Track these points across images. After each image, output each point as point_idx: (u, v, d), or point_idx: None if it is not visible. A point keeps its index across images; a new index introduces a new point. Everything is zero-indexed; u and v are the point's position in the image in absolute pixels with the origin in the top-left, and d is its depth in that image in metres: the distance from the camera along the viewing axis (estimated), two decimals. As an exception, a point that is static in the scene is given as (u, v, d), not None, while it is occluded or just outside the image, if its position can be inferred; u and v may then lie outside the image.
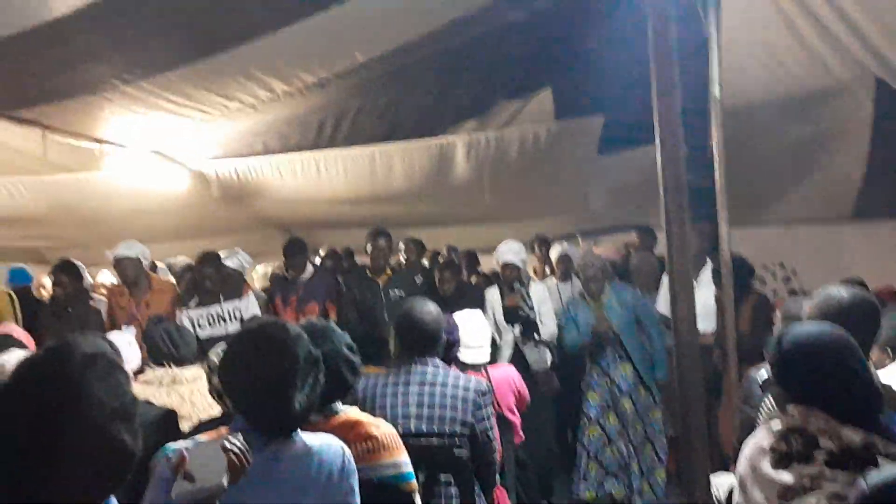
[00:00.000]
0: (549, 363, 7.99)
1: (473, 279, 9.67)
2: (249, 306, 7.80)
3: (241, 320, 7.70)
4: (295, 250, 8.23)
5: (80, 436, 1.92)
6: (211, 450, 2.47)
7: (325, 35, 7.23)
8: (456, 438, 4.00)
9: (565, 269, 9.13)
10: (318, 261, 10.83)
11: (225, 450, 2.42)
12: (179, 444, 2.75)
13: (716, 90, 6.43)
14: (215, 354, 3.92)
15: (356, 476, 2.82)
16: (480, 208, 10.00)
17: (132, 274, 7.84)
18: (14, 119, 7.94)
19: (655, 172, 3.91)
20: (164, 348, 4.75)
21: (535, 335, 7.88)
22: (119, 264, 7.81)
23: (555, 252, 9.43)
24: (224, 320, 7.71)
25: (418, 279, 7.91)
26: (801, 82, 7.71)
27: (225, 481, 2.38)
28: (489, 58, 8.87)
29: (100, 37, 6.52)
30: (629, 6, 7.60)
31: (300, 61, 7.75)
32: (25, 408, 1.94)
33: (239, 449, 2.45)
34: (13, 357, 3.22)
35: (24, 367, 2.04)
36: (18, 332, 5.65)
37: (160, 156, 9.49)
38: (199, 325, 7.55)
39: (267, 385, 2.66)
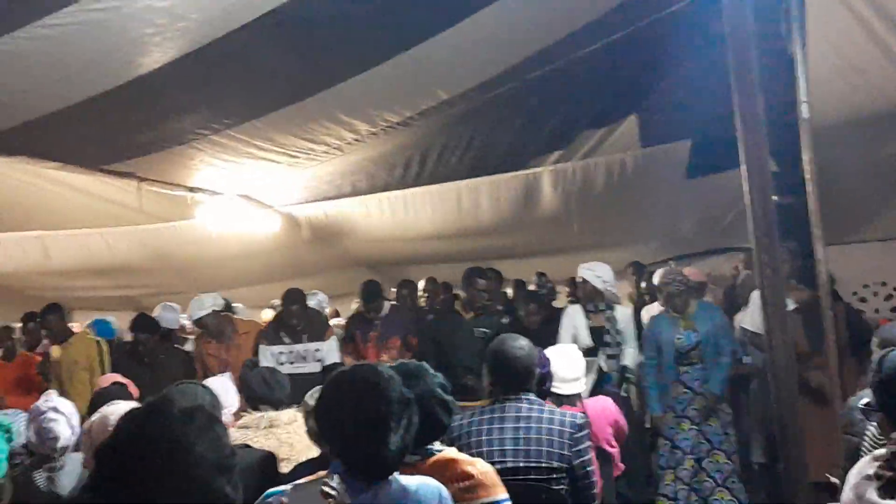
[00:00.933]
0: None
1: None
2: (331, 350, 7.85)
3: (322, 362, 7.74)
4: (373, 293, 8.25)
5: (183, 491, 1.95)
6: (311, 494, 2.48)
7: (407, 75, 7.30)
8: (554, 473, 3.96)
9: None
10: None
11: (324, 494, 2.43)
12: (280, 489, 2.78)
13: (804, 110, 6.30)
14: (311, 398, 3.95)
15: (454, 517, 2.81)
16: (569, 238, 9.96)
17: (214, 328, 7.95)
18: (110, 172, 8.17)
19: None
20: (260, 392, 4.81)
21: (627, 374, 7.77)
22: (199, 324, 7.92)
23: (656, 278, 9.28)
24: (304, 360, 7.77)
25: (505, 320, 7.84)
26: (889, 98, 7.51)
27: None
28: (572, 88, 8.86)
29: (188, 89, 6.68)
30: (712, 29, 7.54)
31: (384, 102, 7.83)
32: (128, 465, 1.97)
33: (337, 492, 2.45)
34: (117, 409, 3.28)
35: (125, 423, 2.07)
36: (114, 380, 5.78)
37: (250, 201, 9.67)
38: (280, 363, 7.63)
39: (362, 428, 2.66)
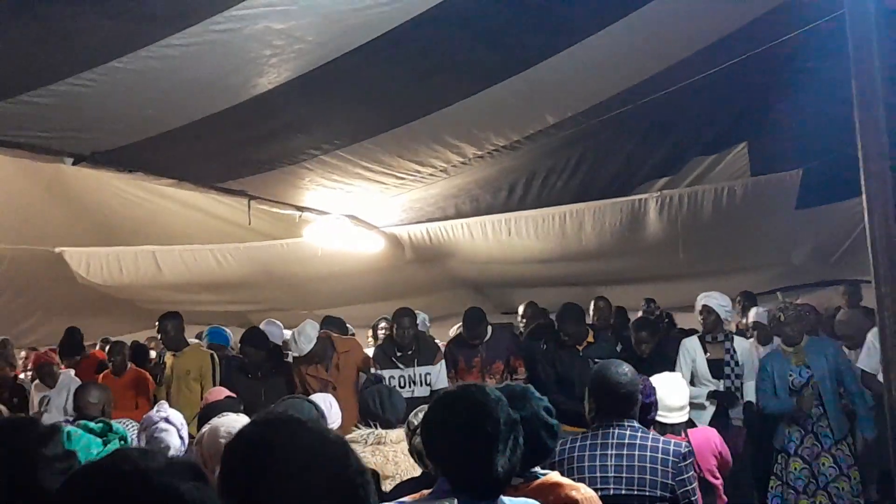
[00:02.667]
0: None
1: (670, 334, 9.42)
2: (440, 376, 7.87)
3: (430, 387, 7.77)
4: (476, 320, 8.22)
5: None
6: None
7: (516, 98, 7.33)
8: (657, 502, 3.91)
9: (761, 335, 8.76)
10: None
11: None
12: None
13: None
14: (415, 416, 3.98)
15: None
16: (674, 265, 9.84)
17: (315, 355, 7.97)
18: (222, 190, 8.37)
19: (861, 226, 3.75)
20: (373, 408, 4.84)
21: (738, 403, 7.60)
22: (306, 355, 7.95)
23: (751, 316, 9.12)
24: (415, 384, 7.81)
25: (618, 349, 7.77)
26: None
27: None
28: (684, 114, 8.80)
29: (301, 110, 6.81)
30: (826, 55, 7.41)
31: (492, 125, 7.87)
32: (246, 478, 1.98)
33: None
34: (227, 422, 3.35)
35: (255, 431, 2.10)
36: (226, 394, 5.90)
37: (356, 220, 9.81)
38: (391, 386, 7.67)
39: (469, 449, 2.67)
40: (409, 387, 7.78)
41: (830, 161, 8.68)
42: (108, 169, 7.49)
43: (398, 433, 4.74)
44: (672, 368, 7.37)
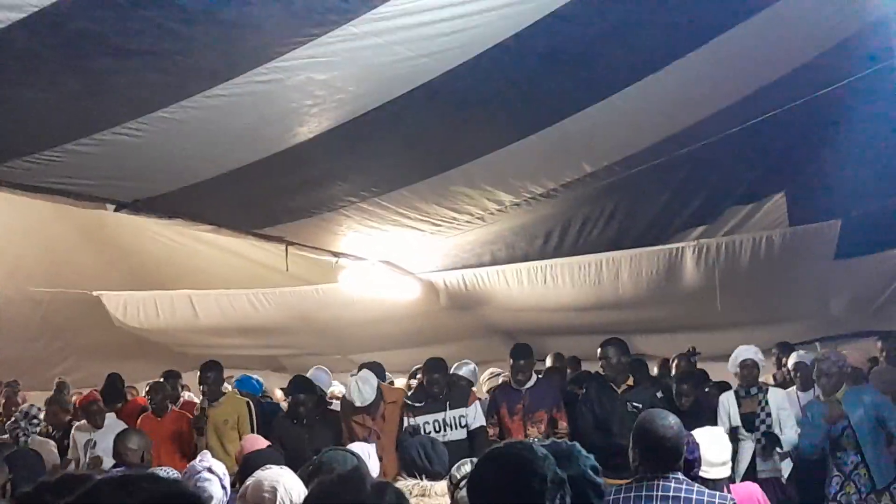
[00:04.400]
0: (784, 473, 7.61)
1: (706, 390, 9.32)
2: (476, 416, 7.82)
3: (466, 428, 7.72)
4: (522, 355, 8.15)
5: None
6: None
7: (552, 147, 7.36)
8: (702, 557, 3.85)
9: (804, 377, 8.66)
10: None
11: None
12: None
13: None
14: (458, 470, 3.96)
15: None
16: (711, 315, 9.76)
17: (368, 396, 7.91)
18: (260, 236, 8.43)
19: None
20: (418, 461, 4.77)
21: (778, 448, 7.51)
22: (362, 391, 7.88)
23: (792, 359, 9.01)
24: (449, 427, 7.76)
25: (659, 395, 7.67)
26: None
27: None
28: (720, 164, 8.80)
29: (340, 158, 6.88)
30: (867, 105, 7.40)
31: (527, 173, 7.91)
32: None
33: None
34: (272, 475, 3.34)
35: (319, 492, 2.10)
36: (262, 442, 5.89)
37: (392, 267, 9.84)
38: (425, 431, 7.61)
39: (516, 506, 2.65)
40: (443, 430, 7.72)
41: (870, 211, 8.65)
42: (149, 215, 7.59)
43: (442, 486, 4.69)
44: (709, 421, 7.30)
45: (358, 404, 7.72)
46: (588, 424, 7.65)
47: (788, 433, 7.58)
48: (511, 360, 7.98)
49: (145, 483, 1.66)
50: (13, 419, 9.56)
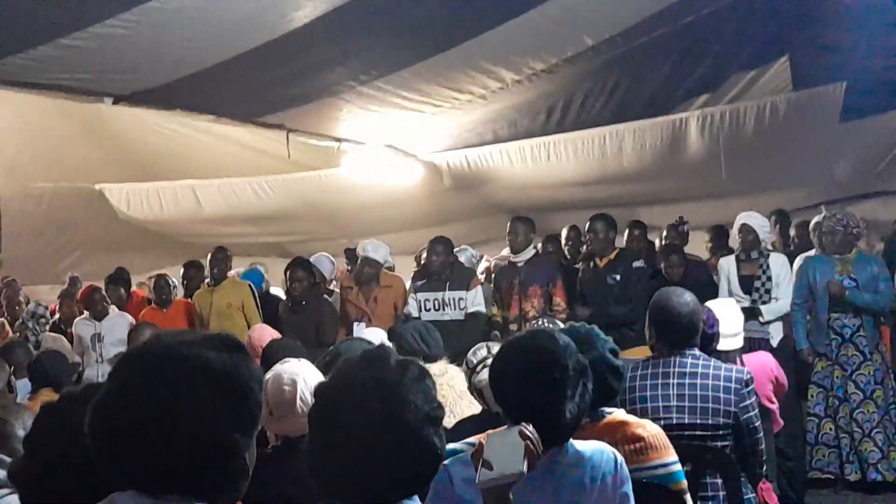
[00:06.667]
0: (773, 337, 7.63)
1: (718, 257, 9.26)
2: (476, 299, 7.83)
3: (464, 311, 7.74)
4: (518, 221, 8.08)
5: (395, 435, 2.04)
6: (504, 436, 2.50)
7: (553, 22, 7.23)
8: (720, 430, 3.90)
9: (804, 237, 8.58)
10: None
11: (523, 436, 2.44)
12: (459, 447, 2.86)
13: None
14: (474, 355, 4.00)
15: (630, 483, 2.79)
16: (716, 184, 9.73)
17: (364, 276, 7.97)
18: (261, 124, 8.36)
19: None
20: (415, 345, 4.83)
21: (760, 318, 7.52)
22: (365, 262, 7.96)
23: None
24: (448, 307, 7.80)
25: (636, 264, 7.65)
26: None
27: (525, 468, 2.41)
28: (722, 31, 8.65)
29: (337, 42, 6.76)
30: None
31: (529, 50, 7.79)
32: (344, 408, 2.08)
33: (534, 436, 2.46)
34: (290, 368, 3.37)
35: (343, 369, 2.16)
36: (270, 332, 5.92)
37: (394, 150, 9.77)
38: (425, 310, 7.69)
39: (538, 396, 2.67)
40: (442, 309, 7.77)
41: (875, 70, 8.54)
42: (148, 107, 7.52)
43: (440, 366, 4.75)
44: (701, 290, 7.32)
45: (371, 256, 7.83)
46: (575, 300, 7.72)
47: (784, 302, 7.58)
48: (509, 227, 7.94)
49: (197, 333, 1.82)
50: (20, 320, 9.64)
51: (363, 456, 2.02)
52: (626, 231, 8.63)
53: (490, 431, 3.03)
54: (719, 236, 8.95)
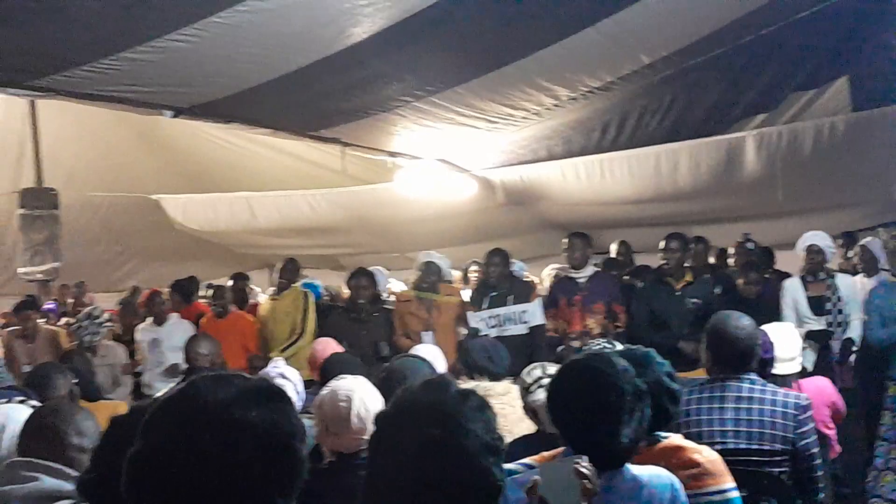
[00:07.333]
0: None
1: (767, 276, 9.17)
2: (537, 311, 7.81)
3: (527, 324, 7.72)
4: (577, 236, 8.04)
5: (453, 465, 2.01)
6: (559, 471, 2.48)
7: (610, 39, 7.21)
8: (776, 457, 3.86)
9: (868, 263, 8.46)
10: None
11: (579, 474, 2.42)
12: (518, 466, 2.86)
13: None
14: (528, 375, 3.99)
15: (687, 509, 2.77)
16: (772, 204, 9.62)
17: (431, 283, 7.98)
18: (317, 137, 8.43)
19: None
20: (480, 362, 4.81)
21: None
22: (427, 268, 7.99)
23: (860, 243, 8.81)
24: (510, 322, 7.77)
25: (716, 291, 7.58)
26: None
27: None
28: (780, 51, 8.57)
29: (394, 57, 6.80)
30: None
31: (585, 67, 7.78)
32: (401, 434, 2.07)
33: (592, 472, 2.45)
34: (347, 384, 3.38)
35: (403, 395, 2.15)
36: (333, 345, 5.93)
37: (448, 165, 9.81)
38: (489, 327, 7.66)
39: (595, 419, 2.66)
40: (504, 325, 7.74)
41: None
42: (207, 120, 7.61)
43: (504, 385, 4.74)
44: (776, 311, 7.22)
45: (435, 262, 7.99)
46: (643, 320, 7.62)
47: (854, 323, 7.46)
48: (566, 243, 7.90)
49: (238, 379, 1.72)
50: (76, 321, 9.75)
51: (421, 483, 2.00)
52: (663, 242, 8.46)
53: (545, 454, 3.04)
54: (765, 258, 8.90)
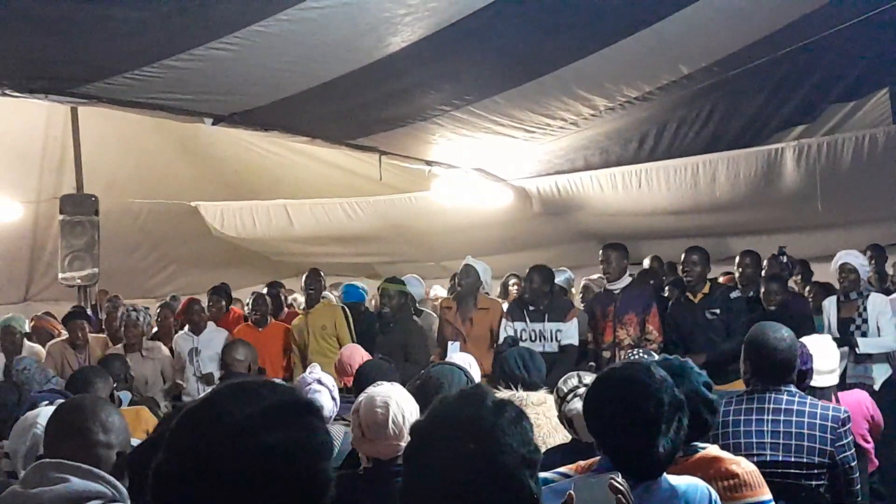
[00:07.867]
0: (877, 379, 7.39)
1: (807, 290, 9.08)
2: (570, 331, 7.76)
3: (559, 343, 7.68)
4: (612, 248, 7.98)
5: (488, 478, 1.99)
6: (594, 488, 2.47)
7: (649, 50, 7.19)
8: (815, 469, 3.82)
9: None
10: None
11: (614, 489, 2.42)
12: (554, 476, 2.85)
13: None
14: (564, 384, 3.98)
15: (724, 519, 2.76)
16: (811, 216, 9.55)
17: (466, 289, 7.97)
18: (354, 146, 8.47)
19: None
20: (516, 371, 4.80)
21: (856, 349, 7.30)
22: (465, 270, 7.97)
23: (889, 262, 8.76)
24: (544, 339, 7.73)
25: (733, 295, 7.46)
26: None
27: None
28: (820, 62, 8.52)
29: (433, 67, 6.82)
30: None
31: (623, 77, 7.76)
32: (436, 445, 2.05)
33: (626, 489, 2.44)
34: (383, 391, 3.39)
35: (439, 409, 2.14)
36: (361, 352, 5.94)
37: (484, 174, 9.82)
38: (521, 339, 7.63)
39: (633, 429, 2.65)
40: (539, 341, 7.70)
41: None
42: (246, 128, 7.66)
43: (539, 395, 4.74)
44: (797, 326, 7.14)
45: (472, 265, 7.97)
46: (669, 336, 7.56)
47: (887, 339, 7.35)
48: (602, 255, 7.85)
49: (264, 390, 1.68)
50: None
51: (456, 495, 1.99)
52: (738, 258, 8.35)
53: (581, 463, 3.03)
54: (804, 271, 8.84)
